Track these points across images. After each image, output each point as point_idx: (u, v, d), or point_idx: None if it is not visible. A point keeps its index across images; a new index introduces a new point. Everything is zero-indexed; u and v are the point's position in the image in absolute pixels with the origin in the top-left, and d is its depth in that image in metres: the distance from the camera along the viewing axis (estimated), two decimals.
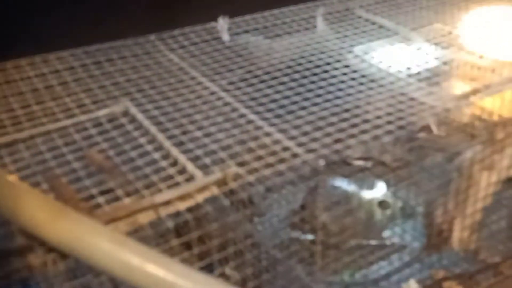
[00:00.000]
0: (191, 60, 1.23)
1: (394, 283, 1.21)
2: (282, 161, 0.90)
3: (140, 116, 1.02)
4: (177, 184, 0.84)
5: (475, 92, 1.08)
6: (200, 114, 1.03)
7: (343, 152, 0.93)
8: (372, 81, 1.14)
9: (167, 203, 0.80)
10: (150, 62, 1.22)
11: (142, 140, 0.95)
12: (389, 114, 1.01)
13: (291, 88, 1.11)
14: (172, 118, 1.01)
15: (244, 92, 1.10)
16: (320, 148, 0.92)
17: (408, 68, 1.18)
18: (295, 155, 0.90)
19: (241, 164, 0.88)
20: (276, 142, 0.94)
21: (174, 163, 0.90)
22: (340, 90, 1.10)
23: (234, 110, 1.05)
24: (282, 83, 1.13)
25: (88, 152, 0.93)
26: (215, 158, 0.90)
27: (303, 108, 1.05)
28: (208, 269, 0.88)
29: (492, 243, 1.31)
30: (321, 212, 1.22)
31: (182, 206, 0.81)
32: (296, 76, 1.16)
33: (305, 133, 0.97)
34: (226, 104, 1.07)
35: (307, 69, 1.18)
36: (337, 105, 1.04)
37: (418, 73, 1.16)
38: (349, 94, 1.09)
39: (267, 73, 1.17)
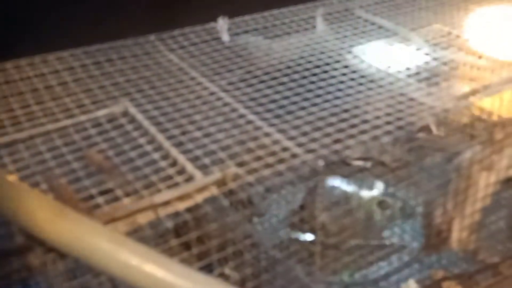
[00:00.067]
0: (190, 61, 1.23)
1: (394, 283, 1.21)
2: (281, 161, 0.90)
3: (139, 116, 1.02)
4: (176, 184, 0.84)
5: (474, 92, 1.08)
6: (199, 114, 1.03)
7: (342, 153, 0.93)
8: (372, 81, 1.14)
9: (167, 203, 0.80)
10: (150, 62, 1.22)
11: (142, 140, 0.95)
12: (389, 114, 1.01)
13: (290, 88, 1.12)
14: (171, 118, 1.01)
15: (243, 92, 1.10)
16: (320, 149, 0.92)
17: (408, 69, 1.18)
18: (294, 155, 0.91)
19: (240, 164, 0.88)
20: (276, 142, 0.95)
21: (174, 163, 0.90)
22: (339, 90, 1.10)
23: (234, 110, 1.05)
24: (282, 83, 1.13)
25: (88, 152, 0.93)
26: (214, 158, 0.90)
27: (303, 108, 1.05)
28: (208, 269, 0.88)
29: (491, 243, 1.31)
30: (321, 212, 1.22)
31: (181, 206, 0.81)
32: (296, 76, 1.16)
33: (305, 133, 0.97)
34: (225, 104, 1.07)
35: (307, 69, 1.18)
36: (336, 106, 1.05)
37: (418, 74, 1.16)
38: (348, 95, 1.09)
39: (267, 73, 1.17)
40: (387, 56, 1.23)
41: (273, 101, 1.07)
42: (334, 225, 1.22)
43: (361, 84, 1.13)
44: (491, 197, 1.23)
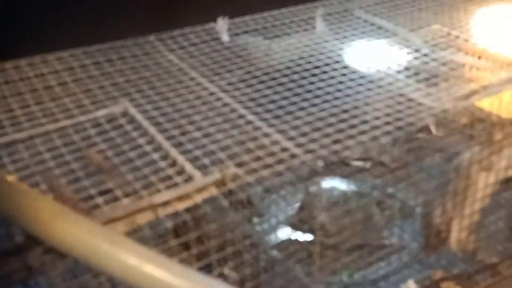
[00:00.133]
0: (190, 61, 1.23)
1: (393, 284, 1.21)
2: (280, 161, 0.90)
3: (139, 117, 1.02)
4: (175, 184, 0.84)
5: (473, 93, 1.08)
6: (199, 115, 1.03)
7: (341, 153, 0.93)
8: (371, 82, 1.14)
9: (166, 203, 0.80)
10: (150, 62, 1.22)
11: (141, 141, 0.96)
12: (388, 115, 1.01)
13: (290, 89, 1.12)
14: (171, 119, 1.01)
15: (243, 92, 1.10)
16: (319, 149, 0.92)
17: (407, 69, 1.18)
18: (293, 156, 0.91)
19: (239, 165, 0.88)
20: (275, 142, 0.95)
21: (173, 163, 0.90)
22: (338, 91, 1.10)
23: (233, 110, 1.05)
24: (281, 84, 1.13)
25: (87, 152, 0.93)
26: (213, 158, 0.90)
27: (302, 108, 1.05)
28: (207, 269, 0.88)
29: (490, 244, 1.31)
30: (320, 212, 1.22)
31: (180, 206, 0.81)
32: (295, 76, 1.16)
33: (304, 134, 0.97)
34: (225, 104, 1.07)
35: (306, 69, 1.18)
36: (335, 106, 1.05)
37: (417, 74, 1.16)
38: (347, 95, 1.09)
39: (266, 73, 1.17)
40: (386, 57, 1.23)
41: (273, 101, 1.07)
42: (334, 225, 1.22)
43: (360, 84, 1.13)
44: (490, 197, 1.23)
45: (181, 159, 0.90)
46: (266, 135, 0.97)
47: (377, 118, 1.00)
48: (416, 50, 1.25)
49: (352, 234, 1.23)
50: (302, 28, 1.37)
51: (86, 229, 0.63)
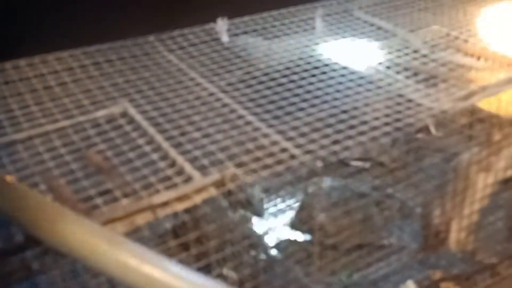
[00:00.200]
0: (190, 61, 1.23)
1: (392, 284, 1.21)
2: (280, 162, 0.90)
3: (138, 117, 1.02)
4: (175, 185, 0.84)
5: (472, 94, 1.08)
6: (198, 115, 1.03)
7: (341, 154, 0.93)
8: (370, 82, 1.14)
9: (165, 204, 0.80)
10: (149, 63, 1.22)
11: (141, 141, 0.96)
12: (387, 115, 1.01)
13: (289, 90, 1.12)
14: (170, 119, 1.01)
15: (242, 93, 1.10)
16: (318, 150, 0.92)
17: (406, 70, 1.18)
18: (293, 157, 0.91)
19: (239, 165, 0.88)
20: (274, 143, 0.95)
21: (172, 164, 0.90)
22: (338, 91, 1.10)
23: (233, 111, 1.05)
24: (281, 84, 1.13)
25: (87, 153, 0.93)
26: (213, 159, 0.90)
27: (301, 109, 1.05)
28: (206, 269, 0.89)
29: (490, 244, 1.31)
30: (319, 213, 1.22)
31: (180, 207, 0.81)
32: (295, 77, 1.16)
33: (303, 134, 0.97)
34: (224, 105, 1.07)
35: (306, 70, 1.18)
36: (335, 107, 1.05)
37: (416, 75, 1.16)
38: (347, 96, 1.09)
39: (266, 74, 1.17)
40: (385, 57, 1.23)
41: (272, 102, 1.07)
42: (333, 225, 1.23)
43: (359, 85, 1.13)
44: (489, 198, 1.23)
45: (180, 160, 0.91)
46: (266, 135, 0.97)
47: (376, 118, 1.00)
48: (416, 51, 1.25)
49: (351, 234, 1.23)
50: (301, 29, 1.37)
51: (86, 229, 0.63)
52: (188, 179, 0.86)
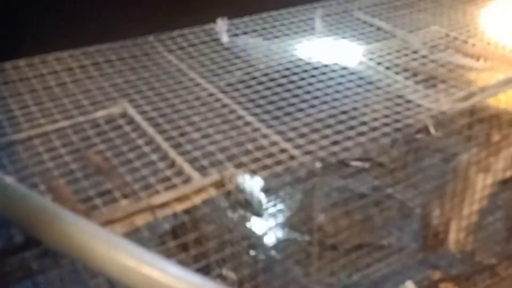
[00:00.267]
0: (189, 61, 1.23)
1: (392, 284, 1.21)
2: (279, 163, 0.90)
3: (138, 118, 1.02)
4: (174, 185, 0.85)
5: (471, 94, 1.08)
6: (198, 116, 1.03)
7: (340, 154, 0.93)
8: (370, 83, 1.15)
9: (164, 204, 0.81)
10: (149, 63, 1.22)
11: (140, 142, 0.96)
12: (386, 116, 1.01)
13: (289, 90, 1.12)
14: (170, 120, 1.01)
15: (242, 93, 1.11)
16: (318, 150, 0.92)
17: (405, 71, 1.18)
18: (292, 157, 0.91)
19: (238, 166, 0.88)
20: (274, 144, 0.95)
21: (172, 164, 0.90)
22: (337, 92, 1.10)
23: (232, 111, 1.05)
24: (280, 85, 1.13)
25: (86, 153, 0.93)
26: (212, 159, 0.90)
27: (301, 110, 1.05)
28: (206, 270, 0.89)
29: (489, 245, 1.31)
30: (319, 213, 1.22)
31: (179, 207, 0.81)
32: (294, 78, 1.16)
33: (303, 135, 0.97)
34: (224, 105, 1.08)
35: (305, 71, 1.19)
36: (334, 107, 1.05)
37: (415, 76, 1.16)
38: (346, 96, 1.09)
39: (265, 74, 1.17)
40: (385, 58, 1.24)
41: (271, 102, 1.08)
42: (332, 226, 1.22)
43: (359, 86, 1.13)
44: (488, 198, 1.23)
45: (180, 160, 0.91)
46: (265, 136, 0.97)
47: (375, 119, 1.01)
48: (415, 52, 1.25)
49: (351, 235, 1.23)
50: (301, 29, 1.37)
51: (85, 230, 0.63)
52: (188, 180, 0.86)
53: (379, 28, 1.37)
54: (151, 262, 0.60)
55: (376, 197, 1.34)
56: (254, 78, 1.15)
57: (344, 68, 1.19)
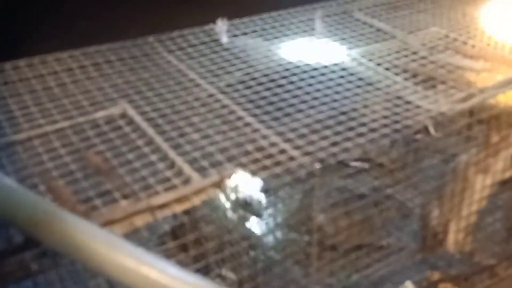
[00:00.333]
0: (189, 62, 1.23)
1: (391, 285, 1.22)
2: (279, 163, 0.90)
3: (137, 118, 1.02)
4: (174, 186, 0.85)
5: (471, 95, 1.09)
6: (197, 117, 1.03)
7: (339, 155, 0.93)
8: (369, 84, 1.15)
9: (164, 205, 0.81)
10: (149, 64, 1.22)
11: (140, 142, 0.96)
12: (386, 117, 1.02)
13: (288, 91, 1.12)
14: (169, 120, 1.01)
15: (241, 94, 1.11)
16: (317, 151, 0.92)
17: (405, 72, 1.19)
18: (291, 158, 0.91)
19: (238, 167, 0.88)
20: (273, 144, 0.95)
21: (171, 165, 0.90)
22: (337, 93, 1.11)
23: (232, 112, 1.05)
24: (280, 86, 1.13)
25: (86, 154, 0.93)
26: (212, 160, 0.90)
27: (300, 111, 1.05)
28: (205, 270, 0.89)
29: (488, 245, 1.31)
30: (318, 213, 1.22)
31: (179, 208, 0.81)
32: (294, 78, 1.16)
33: (302, 136, 0.97)
34: (223, 106, 1.08)
35: (305, 71, 1.19)
36: (334, 108, 1.05)
37: (415, 77, 1.16)
38: (346, 97, 1.09)
39: (265, 75, 1.17)
40: (384, 59, 1.24)
41: (271, 103, 1.08)
42: (332, 226, 1.23)
43: (358, 87, 1.13)
44: (488, 199, 1.23)
45: (179, 161, 0.91)
46: (265, 137, 0.98)
47: (375, 120, 1.01)
48: (414, 53, 1.26)
49: (350, 235, 1.23)
50: (301, 30, 1.37)
51: (85, 230, 0.63)
52: (187, 181, 0.86)
53: (378, 29, 1.37)
54: (150, 262, 0.60)
55: (376, 198, 1.34)
56: (254, 78, 1.15)
57: (343, 69, 1.19)
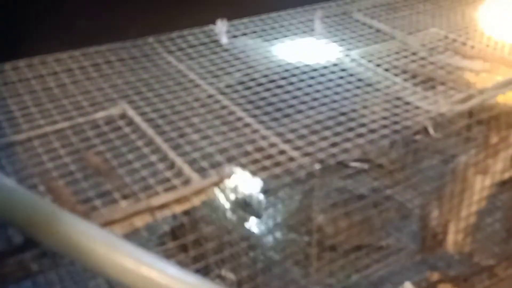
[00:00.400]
0: (189, 63, 1.23)
1: (390, 285, 1.22)
2: (278, 164, 0.90)
3: (137, 119, 1.03)
4: (173, 187, 0.85)
5: (470, 96, 1.09)
6: (197, 117, 1.03)
7: (339, 156, 0.93)
8: (369, 85, 1.15)
9: (164, 206, 0.81)
10: (148, 64, 1.22)
11: (139, 143, 0.96)
12: (385, 118, 1.02)
13: (288, 92, 1.12)
14: (169, 121, 1.02)
15: (241, 95, 1.11)
16: (317, 152, 0.93)
17: (404, 72, 1.19)
18: (291, 159, 0.91)
19: (237, 167, 0.88)
20: (273, 145, 0.95)
21: (171, 166, 0.90)
22: (336, 93, 1.11)
23: (231, 113, 1.06)
24: (279, 87, 1.13)
25: (86, 154, 0.93)
26: (212, 161, 0.90)
27: (300, 111, 1.05)
28: (205, 271, 0.89)
29: (487, 246, 1.31)
30: (318, 214, 1.22)
31: (178, 209, 0.81)
32: (293, 79, 1.16)
33: (302, 137, 0.97)
34: (223, 107, 1.08)
35: (304, 72, 1.19)
36: (333, 109, 1.05)
37: (414, 77, 1.17)
38: (345, 98, 1.10)
39: (265, 76, 1.17)
40: (384, 60, 1.24)
41: (271, 104, 1.08)
42: (331, 227, 1.23)
43: (358, 87, 1.14)
44: (487, 199, 1.23)
45: (179, 162, 0.91)
46: (264, 137, 0.98)
47: (374, 121, 1.01)
48: (414, 53, 1.26)
49: (350, 235, 1.23)
50: (300, 31, 1.37)
51: (84, 231, 0.63)
52: (187, 181, 0.86)
53: (378, 30, 1.38)
54: (150, 263, 0.60)
55: (375, 198, 1.34)
56: (254, 79, 1.16)
57: (343, 70, 1.19)
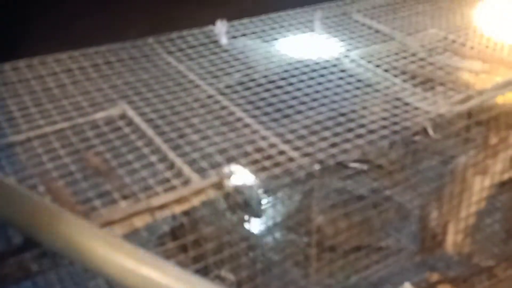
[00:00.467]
0: (188, 63, 1.23)
1: (390, 286, 1.22)
2: (278, 164, 0.90)
3: (137, 119, 1.03)
4: (173, 187, 0.85)
5: (469, 97, 1.09)
6: (197, 118, 1.04)
7: (338, 156, 0.93)
8: (368, 85, 1.15)
9: (163, 206, 0.81)
10: (148, 65, 1.22)
11: (139, 143, 0.96)
12: (384, 118, 1.02)
13: (287, 92, 1.12)
14: (169, 121, 1.02)
15: (241, 95, 1.11)
16: (316, 152, 0.93)
17: (404, 73, 1.19)
18: (291, 159, 0.91)
19: (237, 167, 0.89)
20: (272, 146, 0.95)
21: (171, 166, 0.91)
22: (336, 94, 1.11)
23: (231, 113, 1.06)
24: (279, 87, 1.14)
25: (85, 154, 0.93)
26: (211, 161, 0.90)
27: (299, 112, 1.06)
28: (204, 271, 0.89)
29: (486, 247, 1.32)
30: (317, 215, 1.22)
31: (178, 209, 0.81)
32: (293, 80, 1.16)
33: (301, 137, 0.97)
34: (223, 107, 1.08)
35: (304, 73, 1.19)
36: (333, 110, 1.05)
37: (413, 78, 1.17)
38: (345, 99, 1.10)
39: (264, 76, 1.17)
40: (383, 61, 1.24)
41: (270, 104, 1.08)
42: (331, 227, 1.23)
43: (357, 88, 1.14)
44: (486, 200, 1.23)
45: (179, 162, 0.91)
46: (264, 138, 0.98)
47: (373, 121, 1.01)
48: (413, 54, 1.26)
49: (349, 236, 1.23)
50: (300, 31, 1.37)
51: (84, 231, 0.63)
52: (187, 182, 0.86)
53: (377, 31, 1.38)
54: (150, 263, 0.60)
55: (375, 199, 1.34)
56: (253, 80, 1.16)
57: (342, 70, 1.20)
